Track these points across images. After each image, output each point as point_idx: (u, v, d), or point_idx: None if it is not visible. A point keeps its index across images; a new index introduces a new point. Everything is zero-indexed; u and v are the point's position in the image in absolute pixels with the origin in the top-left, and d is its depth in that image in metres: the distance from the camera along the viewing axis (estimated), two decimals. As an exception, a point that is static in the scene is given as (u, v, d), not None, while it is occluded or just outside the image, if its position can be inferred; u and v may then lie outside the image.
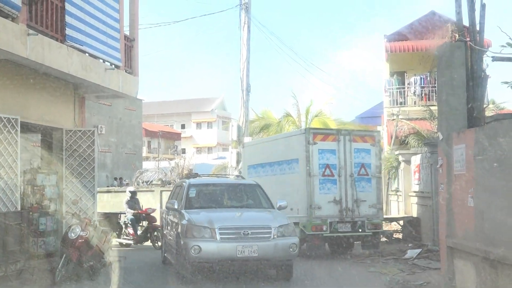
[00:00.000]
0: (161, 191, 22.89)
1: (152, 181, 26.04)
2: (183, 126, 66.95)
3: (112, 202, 23.05)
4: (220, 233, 11.06)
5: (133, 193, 19.27)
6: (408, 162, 20.45)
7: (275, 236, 11.29)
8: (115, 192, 23.90)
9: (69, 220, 13.29)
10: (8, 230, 11.78)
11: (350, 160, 15.41)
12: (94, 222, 13.24)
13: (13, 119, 12.29)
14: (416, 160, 19.23)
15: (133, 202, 18.84)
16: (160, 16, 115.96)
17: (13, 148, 12.27)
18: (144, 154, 49.35)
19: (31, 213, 13.82)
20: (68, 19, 13.20)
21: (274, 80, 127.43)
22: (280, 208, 12.87)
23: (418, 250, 15.15)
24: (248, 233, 11.14)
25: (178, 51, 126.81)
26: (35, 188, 14.32)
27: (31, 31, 11.73)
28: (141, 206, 19.02)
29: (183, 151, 58.43)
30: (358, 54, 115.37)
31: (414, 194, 19.52)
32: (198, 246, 10.91)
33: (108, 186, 27.06)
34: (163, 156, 51.77)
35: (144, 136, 50.59)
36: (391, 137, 26.25)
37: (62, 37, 13.07)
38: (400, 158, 21.27)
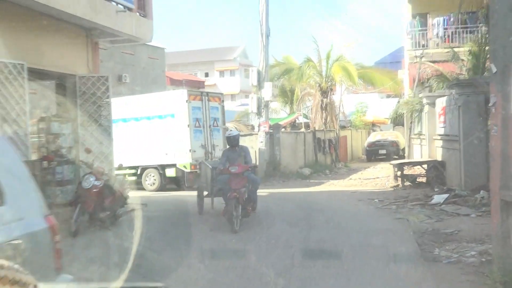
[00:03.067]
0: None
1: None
2: (206, 75, 65.68)
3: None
4: None
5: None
6: (432, 104, 18.99)
7: None
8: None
9: (84, 169, 12.18)
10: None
11: (208, 115, 18.88)
12: (110, 171, 12.09)
13: (19, 64, 11.09)
14: (442, 102, 17.75)
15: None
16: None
17: (20, 96, 11.09)
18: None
19: (45, 162, 12.80)
20: (73, -43, 11.85)
21: (295, 25, 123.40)
22: None
23: (445, 196, 13.82)
24: None
25: None
26: (49, 136, 13.27)
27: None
28: None
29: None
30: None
31: (439, 137, 18.14)
32: None
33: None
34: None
35: (169, 84, 50.10)
36: (414, 80, 24.67)
37: (67, -23, 11.74)
38: (425, 100, 19.74)
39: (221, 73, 66.97)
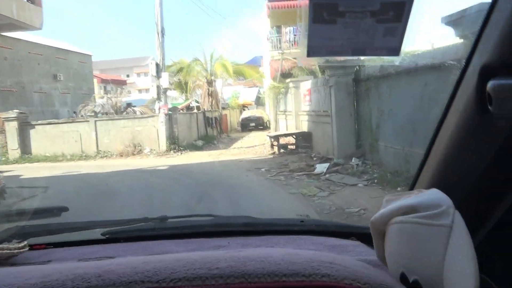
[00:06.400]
0: (95, 121, 15.68)
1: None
2: (128, 76, 60.10)
3: (53, 132, 15.56)
4: None
5: None
6: (297, 88, 14.42)
7: None
8: (56, 124, 16.15)
9: None
10: None
11: None
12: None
13: None
14: (306, 85, 13.29)
15: None
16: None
17: None
18: (101, 95, 42.11)
19: None
20: None
21: (188, 28, 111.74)
22: None
23: (326, 165, 9.31)
24: None
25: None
26: None
27: None
28: None
29: (129, 92, 51.12)
30: (249, 13, 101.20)
31: (304, 113, 13.70)
32: None
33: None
34: (113, 96, 44.29)
35: (100, 83, 46.10)
36: (275, 72, 20.16)
37: None
38: (291, 85, 15.07)
39: (138, 74, 62.73)
